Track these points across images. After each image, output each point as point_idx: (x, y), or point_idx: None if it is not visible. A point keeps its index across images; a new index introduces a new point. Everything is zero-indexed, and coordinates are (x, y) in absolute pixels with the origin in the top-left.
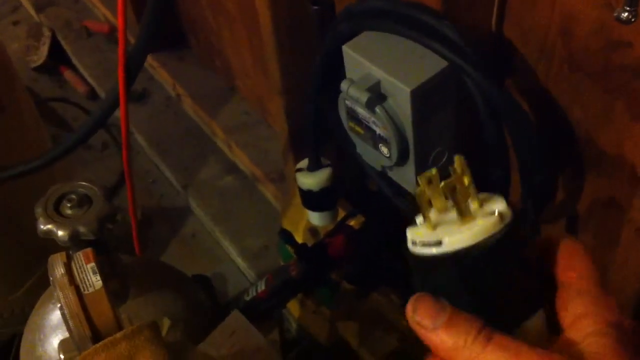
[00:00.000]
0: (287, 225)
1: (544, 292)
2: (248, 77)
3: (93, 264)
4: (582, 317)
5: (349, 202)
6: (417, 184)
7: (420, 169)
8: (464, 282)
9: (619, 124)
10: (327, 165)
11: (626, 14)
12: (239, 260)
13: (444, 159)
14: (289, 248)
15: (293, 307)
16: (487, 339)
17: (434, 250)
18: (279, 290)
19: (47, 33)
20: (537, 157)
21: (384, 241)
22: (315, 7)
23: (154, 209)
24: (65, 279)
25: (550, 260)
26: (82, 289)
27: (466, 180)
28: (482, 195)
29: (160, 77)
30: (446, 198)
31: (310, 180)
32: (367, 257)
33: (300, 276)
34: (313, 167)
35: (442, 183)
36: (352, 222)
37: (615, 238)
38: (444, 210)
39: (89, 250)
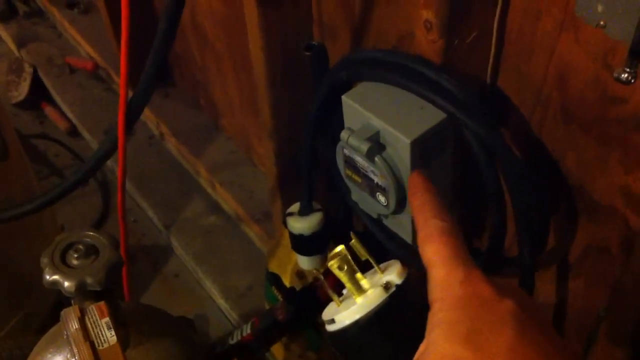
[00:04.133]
0: (274, 267)
1: None
2: (234, 116)
3: (107, 318)
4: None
5: (336, 243)
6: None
7: None
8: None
9: (612, 174)
10: (318, 210)
11: (626, 74)
12: (222, 302)
13: None
14: (276, 291)
15: (277, 351)
16: None
17: (331, 328)
18: (265, 334)
19: (28, 69)
20: (534, 205)
21: None
22: (308, 53)
23: (136, 248)
24: (80, 335)
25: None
26: (96, 345)
27: (362, 255)
28: (385, 265)
29: (144, 115)
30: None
31: (301, 225)
32: None
33: (287, 319)
34: (305, 212)
35: (331, 262)
36: None
37: (607, 283)
38: (347, 281)
39: (102, 304)
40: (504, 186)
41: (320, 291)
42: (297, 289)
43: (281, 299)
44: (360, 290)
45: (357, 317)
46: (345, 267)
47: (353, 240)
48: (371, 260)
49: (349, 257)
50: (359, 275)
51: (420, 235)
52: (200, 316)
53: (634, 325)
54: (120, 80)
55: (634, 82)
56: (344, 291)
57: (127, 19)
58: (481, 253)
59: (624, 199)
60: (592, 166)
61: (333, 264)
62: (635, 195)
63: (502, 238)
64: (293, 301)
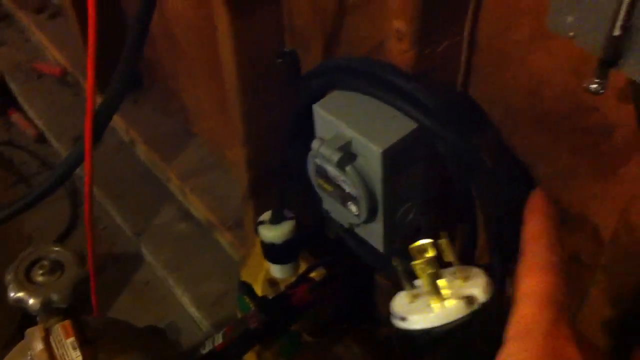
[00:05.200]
0: (246, 276)
1: None
2: (205, 122)
3: (72, 338)
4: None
5: (309, 250)
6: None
7: (388, 225)
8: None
9: (583, 184)
10: (290, 218)
11: (595, 85)
12: (193, 310)
13: (411, 215)
14: (248, 300)
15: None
16: None
17: (400, 324)
18: (237, 342)
19: None
20: (507, 214)
21: (346, 292)
22: (280, 60)
23: (105, 256)
24: (45, 356)
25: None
26: None
27: (448, 257)
28: (468, 272)
29: (113, 121)
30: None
31: (272, 234)
32: (329, 309)
33: (260, 328)
34: (276, 220)
35: (416, 262)
36: (313, 274)
37: (578, 292)
38: (428, 284)
39: (67, 323)
40: (475, 195)
41: (293, 298)
42: (270, 297)
43: (253, 308)
44: (439, 296)
45: (431, 326)
46: (429, 270)
47: (442, 240)
48: (455, 266)
49: (436, 260)
50: (440, 280)
51: (524, 264)
52: (171, 325)
53: (602, 335)
54: (87, 89)
55: (603, 92)
56: (416, 282)
57: (94, 27)
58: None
59: (594, 207)
60: (564, 176)
61: (417, 264)
62: (605, 203)
63: (472, 248)
64: (265, 309)
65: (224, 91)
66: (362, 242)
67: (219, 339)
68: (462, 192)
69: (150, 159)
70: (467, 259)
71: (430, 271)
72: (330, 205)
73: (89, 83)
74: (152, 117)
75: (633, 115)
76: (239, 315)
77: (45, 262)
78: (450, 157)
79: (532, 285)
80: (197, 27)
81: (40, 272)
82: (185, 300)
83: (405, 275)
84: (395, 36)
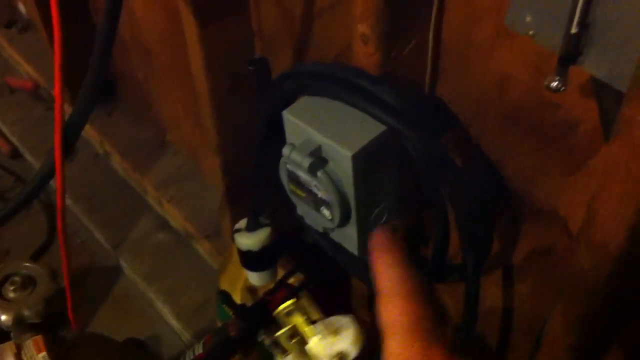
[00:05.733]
0: (224, 284)
1: None
2: (179, 130)
3: (44, 353)
4: None
5: (291, 257)
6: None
7: (362, 229)
8: None
9: (551, 178)
10: (265, 225)
11: (556, 82)
12: (174, 322)
13: (385, 217)
14: (227, 309)
15: None
16: None
17: None
18: (217, 352)
19: None
20: (478, 213)
21: (325, 296)
22: (251, 68)
23: (84, 269)
24: None
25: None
26: None
27: (312, 314)
28: (337, 324)
29: (87, 134)
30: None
31: (249, 241)
32: None
33: (239, 336)
34: (252, 227)
35: (281, 332)
36: (291, 280)
37: (552, 287)
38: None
39: (39, 338)
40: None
41: (272, 305)
42: (249, 304)
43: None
44: None
45: None
46: (294, 340)
47: (303, 299)
48: (323, 321)
49: (301, 326)
50: (309, 344)
51: (382, 298)
52: (152, 337)
53: (578, 329)
54: (56, 102)
55: (564, 89)
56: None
57: (60, 40)
58: (427, 261)
59: (564, 201)
60: (533, 171)
61: (281, 336)
62: (575, 197)
63: (444, 248)
64: (244, 317)
65: (197, 99)
66: (338, 247)
67: (199, 349)
68: (433, 192)
69: (125, 170)
70: (439, 259)
71: (295, 340)
72: (303, 210)
73: (56, 95)
74: (127, 128)
75: (595, 111)
76: (220, 325)
77: (17, 278)
78: (420, 159)
79: (396, 317)
80: (168, 37)
81: (12, 288)
82: (166, 312)
83: (274, 348)
84: (361, 40)
